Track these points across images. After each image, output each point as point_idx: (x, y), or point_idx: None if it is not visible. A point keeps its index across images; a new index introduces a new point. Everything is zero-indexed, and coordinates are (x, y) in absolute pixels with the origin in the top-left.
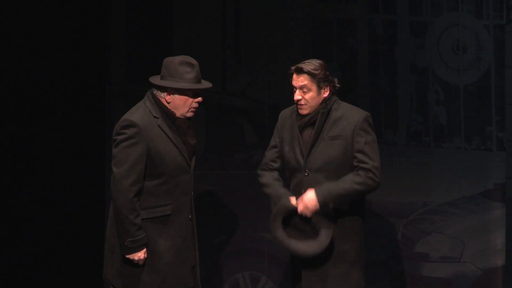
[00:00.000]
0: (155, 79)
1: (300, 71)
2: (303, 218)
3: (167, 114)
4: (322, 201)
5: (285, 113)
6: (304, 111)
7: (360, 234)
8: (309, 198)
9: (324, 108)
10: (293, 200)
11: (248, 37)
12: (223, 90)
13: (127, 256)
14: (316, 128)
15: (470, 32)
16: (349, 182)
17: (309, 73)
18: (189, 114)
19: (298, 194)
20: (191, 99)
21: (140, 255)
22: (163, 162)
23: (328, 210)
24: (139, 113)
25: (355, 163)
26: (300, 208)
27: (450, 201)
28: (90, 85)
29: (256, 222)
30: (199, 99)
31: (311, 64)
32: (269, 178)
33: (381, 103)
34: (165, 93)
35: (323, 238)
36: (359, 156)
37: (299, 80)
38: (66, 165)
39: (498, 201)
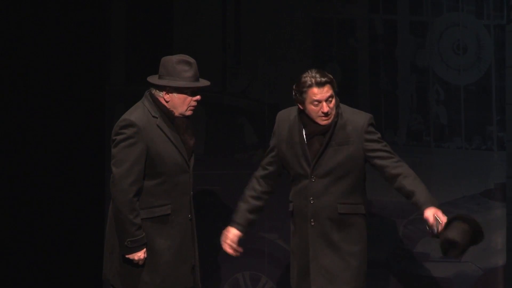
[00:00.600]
0: (153, 79)
1: (323, 84)
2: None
3: (166, 113)
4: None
5: (282, 115)
6: (328, 121)
7: (365, 236)
8: (433, 214)
9: (336, 116)
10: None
11: (248, 37)
12: (223, 90)
13: (127, 256)
14: (328, 136)
15: (471, 32)
16: (419, 182)
17: (331, 82)
18: (188, 113)
19: (304, 199)
20: (189, 98)
21: (140, 255)
22: (162, 162)
23: (335, 216)
24: (138, 113)
25: (379, 161)
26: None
27: (451, 200)
28: (90, 85)
29: (257, 222)
30: (198, 97)
31: (323, 73)
32: (247, 193)
33: (381, 103)
34: (164, 92)
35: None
36: (382, 154)
37: (324, 92)
38: (65, 165)
39: (498, 200)
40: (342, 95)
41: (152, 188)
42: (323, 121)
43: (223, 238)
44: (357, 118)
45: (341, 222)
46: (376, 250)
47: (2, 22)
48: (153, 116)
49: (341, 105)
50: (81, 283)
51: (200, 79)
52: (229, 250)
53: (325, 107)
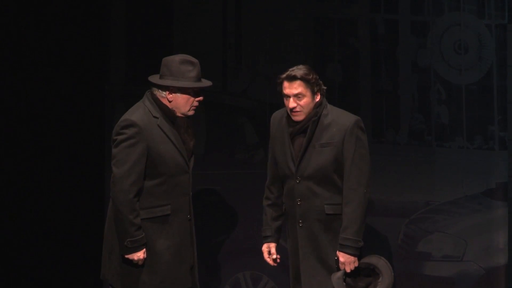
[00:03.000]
0: (154, 78)
1: (293, 78)
2: (353, 272)
3: (167, 114)
4: (353, 251)
5: (275, 116)
6: (299, 117)
7: None
8: (342, 260)
9: (315, 115)
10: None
11: (249, 36)
12: (224, 89)
13: (126, 256)
14: (308, 136)
15: (472, 31)
16: (350, 215)
17: (302, 79)
18: (191, 113)
19: (292, 200)
20: (192, 98)
21: (140, 255)
22: (163, 162)
23: (322, 217)
24: (139, 113)
25: (344, 174)
26: (347, 270)
27: (453, 200)
28: (90, 85)
29: (257, 222)
30: (200, 98)
31: (301, 70)
32: (264, 203)
33: (382, 103)
34: (167, 92)
35: (385, 270)
36: (347, 166)
37: (293, 88)
38: (65, 165)
39: (500, 200)
40: (343, 95)
41: (152, 189)
42: (294, 117)
43: (264, 255)
44: (343, 119)
45: (329, 223)
46: (378, 250)
47: (2, 22)
48: (154, 116)
49: (330, 106)
50: (81, 283)
51: (202, 79)
52: (274, 264)
53: (291, 103)
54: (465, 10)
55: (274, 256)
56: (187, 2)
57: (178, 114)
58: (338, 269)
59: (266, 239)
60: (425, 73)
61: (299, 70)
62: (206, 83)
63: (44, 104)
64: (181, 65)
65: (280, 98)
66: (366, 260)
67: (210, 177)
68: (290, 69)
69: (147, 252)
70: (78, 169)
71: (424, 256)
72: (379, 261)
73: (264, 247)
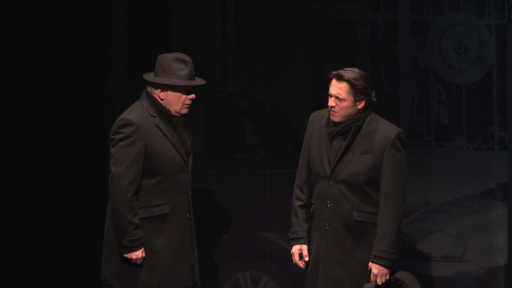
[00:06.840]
0: (149, 76)
1: (340, 78)
2: (383, 284)
3: (163, 112)
4: (387, 263)
5: (315, 117)
6: (336, 118)
7: None
8: (375, 272)
9: (358, 121)
10: (305, 250)
11: (249, 36)
12: (223, 89)
13: (125, 255)
14: (348, 140)
15: (472, 31)
16: (386, 226)
17: (349, 82)
18: (183, 111)
19: (322, 202)
20: (184, 96)
21: (138, 254)
22: (160, 161)
23: (350, 222)
24: (136, 112)
25: (381, 184)
26: (379, 281)
27: (452, 200)
28: (90, 85)
29: (257, 222)
30: (193, 96)
31: (352, 73)
32: (295, 204)
33: (382, 103)
34: (159, 90)
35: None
36: (386, 177)
37: (337, 88)
38: (65, 165)
39: (500, 200)
40: None
41: (151, 188)
42: (331, 116)
43: (295, 258)
44: (386, 129)
45: (356, 230)
46: None
47: (3, 22)
48: (151, 115)
49: (373, 114)
50: (81, 283)
51: (196, 78)
52: (303, 266)
53: (330, 101)
54: (465, 10)
55: (307, 259)
56: (187, 3)
57: (172, 113)
58: (369, 280)
59: (298, 241)
60: (425, 73)
61: (349, 73)
62: (198, 81)
63: (44, 104)
64: (172, 63)
65: (279, 98)
66: (396, 275)
67: (209, 177)
68: (344, 69)
69: (146, 251)
70: (78, 169)
71: (423, 256)
72: (408, 279)
73: (295, 249)
